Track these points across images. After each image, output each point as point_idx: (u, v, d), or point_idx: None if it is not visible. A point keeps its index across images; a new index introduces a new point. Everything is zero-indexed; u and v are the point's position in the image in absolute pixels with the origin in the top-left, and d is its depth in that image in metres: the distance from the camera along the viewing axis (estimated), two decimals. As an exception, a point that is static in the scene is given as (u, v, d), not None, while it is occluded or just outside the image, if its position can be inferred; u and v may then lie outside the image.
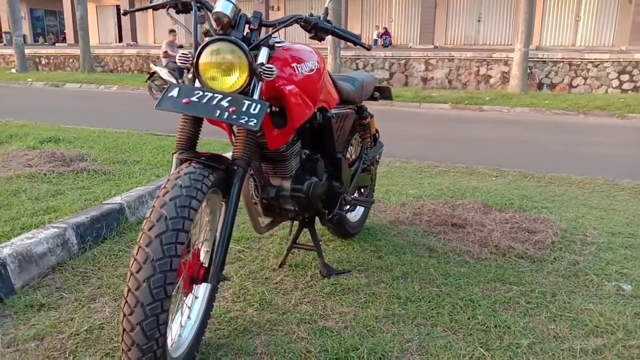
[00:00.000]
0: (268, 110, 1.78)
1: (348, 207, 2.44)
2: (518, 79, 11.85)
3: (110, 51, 18.33)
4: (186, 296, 1.59)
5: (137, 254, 1.29)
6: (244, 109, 1.50)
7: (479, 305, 2.10)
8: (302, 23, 1.72)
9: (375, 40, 21.39)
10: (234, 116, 1.48)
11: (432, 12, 19.90)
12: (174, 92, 1.54)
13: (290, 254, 2.49)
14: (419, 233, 2.99)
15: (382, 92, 2.94)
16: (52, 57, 18.75)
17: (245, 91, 1.60)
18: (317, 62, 1.96)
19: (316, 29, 1.71)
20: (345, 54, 14.82)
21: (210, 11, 1.65)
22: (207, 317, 1.70)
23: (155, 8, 1.76)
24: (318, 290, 2.19)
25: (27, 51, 17.58)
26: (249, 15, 1.70)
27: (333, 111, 2.21)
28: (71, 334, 1.79)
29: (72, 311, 1.96)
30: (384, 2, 22.07)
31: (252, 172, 1.96)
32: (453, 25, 20.93)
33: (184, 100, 1.51)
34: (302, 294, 2.17)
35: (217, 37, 1.58)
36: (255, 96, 1.60)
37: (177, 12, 1.76)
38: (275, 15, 23.14)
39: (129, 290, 1.27)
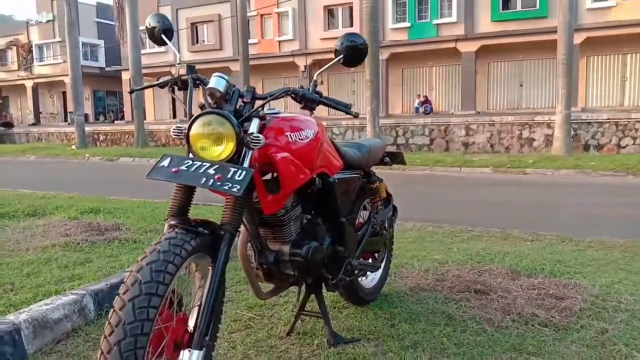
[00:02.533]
0: (265, 177, 1.85)
1: (356, 272, 2.42)
2: (561, 141, 11.63)
3: (163, 127, 19.42)
4: None
5: (111, 318, 1.33)
6: (229, 175, 1.57)
7: (489, 377, 1.98)
8: (291, 95, 1.80)
9: (417, 109, 21.72)
10: (218, 183, 1.54)
11: (473, 79, 20.14)
12: (165, 162, 1.63)
13: (300, 322, 2.46)
14: (439, 300, 2.90)
15: (394, 157, 2.97)
16: (109, 134, 20.04)
17: (235, 160, 1.68)
18: (315, 130, 2.03)
19: (305, 100, 1.79)
20: (385, 122, 15.07)
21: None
22: None
23: (161, 86, 1.90)
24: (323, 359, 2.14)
25: (87, 129, 18.90)
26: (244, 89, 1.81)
27: (336, 176, 2.25)
28: (69, 401, 1.82)
29: (76, 378, 1.99)
30: (424, 72, 22.55)
31: (249, 237, 1.99)
32: (495, 90, 21.03)
33: (173, 170, 1.60)
34: (306, 362, 2.12)
35: (206, 110, 1.68)
36: (245, 164, 1.67)
37: (179, 89, 1.89)
38: (319, 88, 24.02)
39: (102, 353, 1.30)
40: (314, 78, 1.84)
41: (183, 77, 1.83)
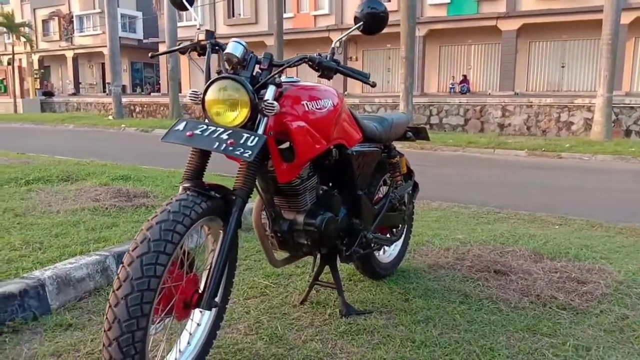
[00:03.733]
0: (282, 145, 1.85)
1: (371, 245, 2.41)
2: (601, 126, 11.22)
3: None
4: (181, 321, 1.64)
5: (119, 273, 1.37)
6: (241, 141, 1.58)
7: (498, 354, 1.97)
8: (308, 62, 1.79)
9: (451, 88, 21.27)
10: (231, 148, 1.56)
11: (513, 58, 19.54)
12: (181, 126, 1.65)
13: (314, 291, 2.48)
14: (457, 278, 2.87)
15: (418, 133, 2.93)
16: (145, 106, 20.39)
17: (250, 126, 1.68)
18: (333, 101, 2.01)
19: (321, 68, 1.77)
20: (419, 101, 14.84)
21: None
22: (208, 345, 1.74)
23: (181, 52, 1.91)
24: (332, 329, 2.16)
25: (123, 100, 19.25)
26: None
27: (354, 148, 2.23)
28: (86, 352, 1.89)
29: (95, 332, 2.07)
30: (462, 50, 22.00)
31: (264, 206, 2.01)
32: (535, 71, 20.36)
33: (187, 133, 1.62)
34: (316, 331, 2.15)
35: (221, 75, 1.68)
36: (260, 131, 1.68)
37: (199, 55, 1.90)
38: (353, 65, 23.79)
39: (109, 306, 1.34)
40: (333, 45, 1.82)
41: (202, 43, 1.84)
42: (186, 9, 1.93)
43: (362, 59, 23.75)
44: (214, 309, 1.70)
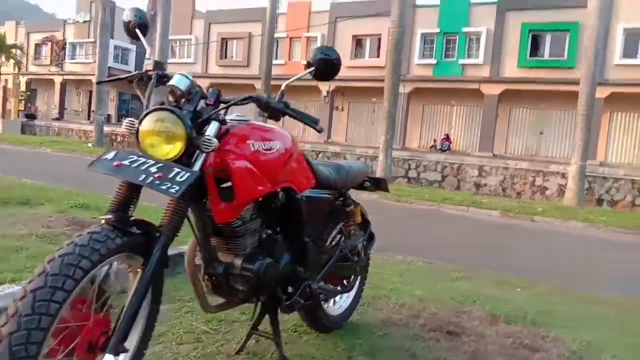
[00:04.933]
0: (225, 184, 1.77)
1: (315, 296, 2.31)
2: (574, 193, 11.41)
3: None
4: None
5: (8, 308, 1.26)
6: (170, 175, 1.50)
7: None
8: (255, 102, 1.74)
9: (432, 147, 21.64)
10: (157, 182, 1.47)
11: (493, 121, 20.03)
12: (110, 155, 1.57)
13: (254, 341, 2.35)
14: (408, 337, 2.76)
15: (377, 184, 2.89)
16: (126, 136, 20.25)
17: (185, 162, 1.61)
18: (285, 144, 1.96)
19: (269, 109, 1.72)
20: (399, 154, 15.00)
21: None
22: None
23: (129, 80, 1.86)
24: (264, 385, 2.03)
25: (106, 129, 19.14)
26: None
27: (304, 193, 2.17)
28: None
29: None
30: (445, 110, 22.50)
31: (199, 245, 1.91)
32: (514, 135, 20.85)
33: (115, 163, 1.53)
34: (246, 387, 2.01)
35: (157, 107, 1.62)
36: (196, 167, 1.60)
37: (144, 86, 1.84)
38: (339, 115, 24.16)
39: None
40: (282, 88, 1.78)
41: (149, 73, 1.79)
42: (138, 39, 1.89)
43: (348, 110, 24.13)
44: (124, 355, 1.57)
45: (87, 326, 1.42)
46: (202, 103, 1.74)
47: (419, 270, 4.67)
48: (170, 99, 1.71)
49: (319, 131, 1.84)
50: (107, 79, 1.94)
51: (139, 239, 1.51)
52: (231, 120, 1.85)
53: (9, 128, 22.38)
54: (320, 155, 16.49)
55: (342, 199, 2.54)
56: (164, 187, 1.46)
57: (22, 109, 24.84)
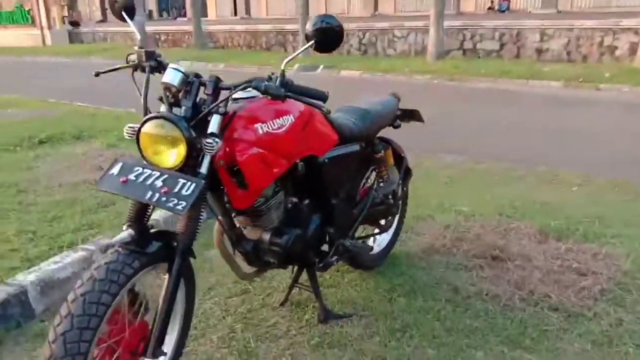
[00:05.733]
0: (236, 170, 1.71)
1: (348, 252, 2.32)
2: (647, 51, 10.35)
3: (222, 27, 19.10)
4: None
5: (45, 349, 1.35)
6: (176, 189, 1.47)
7: (469, 380, 1.91)
8: (255, 89, 1.61)
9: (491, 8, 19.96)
10: (164, 198, 1.46)
11: (558, -29, 17.95)
12: (116, 170, 1.55)
13: (296, 291, 2.44)
14: (451, 267, 2.78)
15: (411, 116, 2.73)
16: (170, 34, 20.00)
17: (193, 163, 1.57)
18: (294, 115, 1.85)
19: (269, 95, 1.59)
20: (452, 24, 13.99)
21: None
22: None
23: (134, 69, 1.76)
24: (305, 340, 2.14)
25: (148, 29, 18.77)
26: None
27: (327, 155, 2.09)
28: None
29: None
30: (503, -37, 20.26)
31: (224, 229, 1.93)
32: (583, -15, 18.70)
33: (121, 179, 1.52)
34: (288, 343, 2.13)
35: (150, 115, 1.55)
36: (203, 169, 1.56)
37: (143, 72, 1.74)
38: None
39: (48, 342, 1.34)
40: (282, 67, 1.62)
41: (143, 64, 1.69)
42: (124, 21, 1.76)
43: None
44: (162, 358, 1.68)
45: (125, 336, 1.51)
46: (202, 92, 1.65)
47: (468, 174, 4.56)
48: (168, 94, 1.62)
49: (327, 113, 1.71)
50: (105, 70, 1.84)
51: (159, 251, 1.54)
52: (238, 99, 1.76)
53: (57, 38, 22.51)
54: (366, 34, 15.65)
55: (370, 145, 2.43)
56: (170, 205, 1.44)
57: (66, 15, 24.71)
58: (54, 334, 1.35)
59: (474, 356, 2.04)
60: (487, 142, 5.87)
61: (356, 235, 2.54)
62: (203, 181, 1.50)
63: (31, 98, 8.30)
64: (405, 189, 2.84)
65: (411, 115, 2.71)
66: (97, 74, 1.79)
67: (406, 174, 2.77)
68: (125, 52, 1.86)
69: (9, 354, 2.05)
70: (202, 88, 1.64)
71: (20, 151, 4.72)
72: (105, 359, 1.49)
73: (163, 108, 1.63)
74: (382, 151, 2.45)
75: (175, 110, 1.61)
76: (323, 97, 1.65)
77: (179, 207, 1.43)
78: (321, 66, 12.83)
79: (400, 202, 2.77)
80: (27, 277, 2.34)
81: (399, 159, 2.69)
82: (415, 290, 2.54)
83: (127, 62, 1.77)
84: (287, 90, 1.60)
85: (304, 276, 2.34)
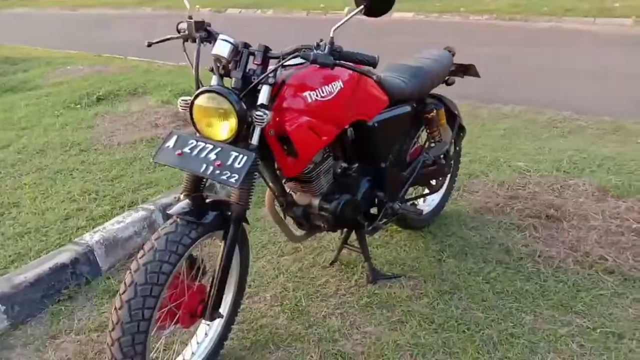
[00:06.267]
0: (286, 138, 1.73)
1: (397, 215, 2.32)
2: None
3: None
4: (188, 328, 1.74)
5: (112, 314, 1.46)
6: (228, 162, 1.51)
7: (517, 343, 1.91)
8: (303, 57, 1.59)
9: None
10: (217, 171, 1.50)
11: None
12: (171, 142, 1.60)
13: (346, 251, 2.49)
14: (503, 227, 2.74)
15: (465, 71, 2.63)
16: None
17: (245, 135, 1.59)
18: (343, 79, 1.82)
19: (317, 64, 1.57)
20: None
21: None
22: (214, 355, 1.84)
23: (184, 40, 1.77)
24: (355, 300, 2.20)
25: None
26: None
27: (377, 118, 2.06)
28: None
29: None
30: None
31: (275, 195, 1.97)
32: None
33: (177, 152, 1.57)
34: (338, 302, 2.20)
35: (204, 88, 1.57)
36: (254, 140, 1.59)
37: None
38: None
39: (108, 338, 1.46)
40: (330, 34, 1.59)
41: (193, 35, 1.70)
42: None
43: None
44: (219, 320, 1.78)
45: (186, 297, 1.61)
46: (251, 63, 1.65)
47: (527, 124, 4.40)
48: (218, 65, 1.64)
49: (376, 80, 1.67)
50: (156, 41, 1.87)
51: (215, 220, 1.60)
52: (288, 66, 1.75)
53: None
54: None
55: (421, 105, 2.37)
56: (224, 178, 1.49)
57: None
58: (120, 301, 1.45)
59: (522, 320, 2.04)
60: (548, 88, 5.59)
61: (406, 196, 2.53)
62: (254, 153, 1.53)
63: (88, 53, 8.56)
64: (457, 148, 2.78)
65: (466, 70, 2.61)
66: (149, 44, 1.81)
67: (459, 132, 2.70)
68: (175, 3, 1.86)
69: (81, 308, 2.23)
70: (251, 58, 1.64)
71: (80, 109, 4.91)
72: (166, 321, 1.60)
73: (214, 79, 1.66)
74: (434, 110, 2.38)
75: (226, 81, 1.63)
76: (373, 63, 1.62)
77: (232, 180, 1.48)
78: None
79: (452, 161, 2.71)
80: (93, 237, 2.50)
81: (452, 116, 2.62)
82: (465, 251, 2.53)
83: (178, 32, 1.78)
84: (336, 57, 1.57)
85: (353, 236, 2.38)
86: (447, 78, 2.53)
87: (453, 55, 2.61)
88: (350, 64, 1.63)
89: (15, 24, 15.40)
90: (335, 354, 1.91)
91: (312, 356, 1.90)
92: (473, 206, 2.97)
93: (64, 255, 2.35)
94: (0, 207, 2.93)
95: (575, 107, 4.70)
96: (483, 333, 1.97)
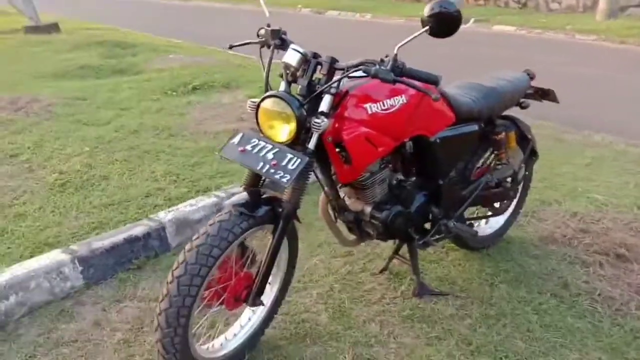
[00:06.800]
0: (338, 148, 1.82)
1: (451, 233, 2.32)
2: None
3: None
4: (232, 311, 1.87)
5: (163, 287, 1.62)
6: (283, 163, 1.62)
7: (554, 380, 1.87)
8: (365, 71, 1.66)
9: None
10: (272, 170, 1.62)
11: None
12: (236, 139, 1.74)
13: (398, 261, 2.53)
14: (567, 260, 2.65)
15: (544, 95, 2.57)
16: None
17: (304, 139, 1.70)
18: (405, 96, 1.87)
19: (378, 79, 1.63)
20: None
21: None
22: (254, 339, 1.96)
23: (262, 45, 1.91)
24: (398, 310, 2.24)
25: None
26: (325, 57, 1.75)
27: (440, 135, 2.09)
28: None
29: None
30: None
31: (329, 199, 2.06)
32: None
33: (240, 149, 1.71)
34: (381, 309, 2.25)
35: (270, 93, 1.69)
36: (311, 145, 1.69)
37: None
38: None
39: (157, 308, 1.63)
40: (395, 51, 1.65)
41: (269, 42, 1.83)
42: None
43: None
44: (262, 307, 1.90)
45: (231, 283, 1.75)
46: (318, 72, 1.75)
47: (615, 158, 4.14)
48: (287, 71, 1.76)
49: (435, 100, 1.71)
50: (237, 44, 2.02)
51: (266, 215, 1.73)
52: (352, 77, 1.83)
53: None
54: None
55: (490, 125, 2.35)
56: (277, 177, 1.61)
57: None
58: (171, 276, 1.61)
59: (567, 357, 1.98)
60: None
61: (467, 214, 2.52)
62: (308, 158, 1.63)
63: (190, 44, 9.14)
64: (527, 172, 2.72)
65: (545, 95, 2.55)
66: (230, 47, 1.98)
67: (531, 156, 2.64)
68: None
69: (146, 278, 2.46)
70: (319, 68, 1.75)
71: (176, 96, 5.30)
72: (213, 300, 1.75)
73: (282, 85, 1.78)
74: (504, 132, 2.36)
75: (294, 88, 1.75)
76: (435, 81, 1.66)
77: (284, 180, 1.59)
78: (472, 19, 12.16)
79: (519, 186, 2.66)
80: (166, 216, 2.73)
81: (524, 139, 2.57)
82: (520, 279, 2.48)
83: (258, 36, 1.92)
84: (398, 74, 1.64)
85: (406, 248, 2.41)
86: (521, 101, 2.48)
87: (532, 78, 2.56)
88: (412, 81, 1.68)
89: (128, 9, 16.60)
90: (369, 358, 1.97)
91: (345, 356, 1.97)
92: (539, 234, 2.89)
93: (138, 229, 2.60)
94: (92, 178, 3.26)
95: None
96: (518, 364, 1.95)
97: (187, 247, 1.64)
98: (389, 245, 2.62)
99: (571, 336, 2.09)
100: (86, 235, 2.63)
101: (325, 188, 2.02)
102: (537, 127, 4.61)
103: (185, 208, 2.83)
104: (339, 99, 1.76)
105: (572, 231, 2.90)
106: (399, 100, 1.86)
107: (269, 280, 1.88)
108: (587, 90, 5.71)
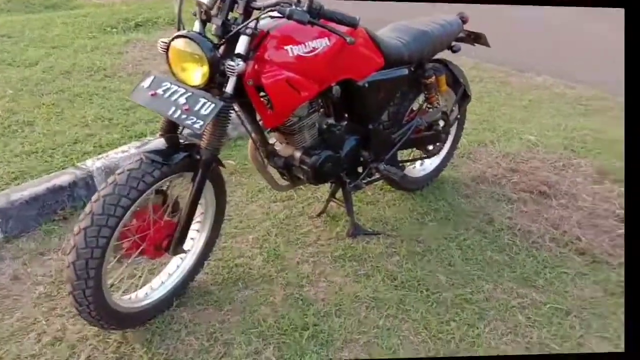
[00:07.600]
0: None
1: (380, 176, 2.37)
2: None
3: None
4: (154, 260, 1.88)
5: (70, 240, 1.59)
6: (196, 108, 1.57)
7: (468, 308, 2.01)
8: (279, 12, 1.60)
9: None
10: (184, 116, 1.57)
11: None
12: (147, 82, 1.67)
13: (335, 205, 2.57)
14: (494, 197, 2.78)
15: (475, 40, 2.60)
16: None
17: (220, 82, 1.66)
18: (330, 39, 1.84)
19: (292, 20, 1.59)
20: None
21: None
22: (181, 288, 1.96)
23: None
24: (330, 251, 2.31)
25: None
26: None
27: (368, 79, 2.09)
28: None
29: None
30: None
31: (257, 145, 2.05)
32: None
33: (150, 93, 1.64)
34: (315, 251, 2.31)
35: (180, 32, 1.62)
36: (228, 89, 1.64)
37: None
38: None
39: (66, 260, 1.59)
40: (312, -8, 1.59)
41: None
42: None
43: None
44: (190, 254, 1.92)
45: (150, 233, 1.73)
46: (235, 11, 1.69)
47: (553, 98, 4.26)
48: (201, 10, 1.69)
49: (349, 43, 1.68)
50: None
51: (182, 162, 1.69)
52: (274, 17, 1.77)
53: None
54: None
55: (420, 69, 2.37)
56: (189, 122, 1.56)
57: None
58: (78, 227, 1.57)
59: (481, 287, 2.12)
60: (594, 65, 5.28)
61: (399, 158, 2.57)
62: (223, 103, 1.60)
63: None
64: (460, 115, 2.78)
65: (477, 38, 2.58)
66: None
67: (463, 99, 2.68)
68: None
69: (72, 229, 2.41)
70: (235, 6, 1.68)
71: (115, 34, 5.02)
72: (132, 250, 1.73)
73: (196, 24, 1.71)
74: (434, 76, 2.38)
75: (208, 26, 1.69)
76: (354, 24, 1.64)
77: (196, 126, 1.55)
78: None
79: (451, 128, 2.72)
80: (95, 163, 2.63)
81: (457, 83, 2.60)
82: (449, 217, 2.59)
83: None
84: (314, 15, 1.59)
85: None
86: (452, 45, 2.50)
87: (465, 22, 2.57)
88: (328, 24, 1.64)
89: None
90: (297, 298, 2.05)
91: (275, 298, 2.04)
92: (472, 174, 3.00)
93: (63, 178, 2.50)
94: (15, 124, 3.08)
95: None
96: (439, 295, 2.07)
97: (94, 197, 1.59)
98: (328, 188, 2.67)
99: (489, 268, 2.24)
100: (5, 186, 2.49)
101: (252, 134, 2.01)
102: (490, 70, 4.70)
103: (116, 155, 2.74)
104: (259, 40, 1.70)
105: (502, 171, 3.03)
106: (323, 43, 1.83)
107: (197, 228, 1.89)
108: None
